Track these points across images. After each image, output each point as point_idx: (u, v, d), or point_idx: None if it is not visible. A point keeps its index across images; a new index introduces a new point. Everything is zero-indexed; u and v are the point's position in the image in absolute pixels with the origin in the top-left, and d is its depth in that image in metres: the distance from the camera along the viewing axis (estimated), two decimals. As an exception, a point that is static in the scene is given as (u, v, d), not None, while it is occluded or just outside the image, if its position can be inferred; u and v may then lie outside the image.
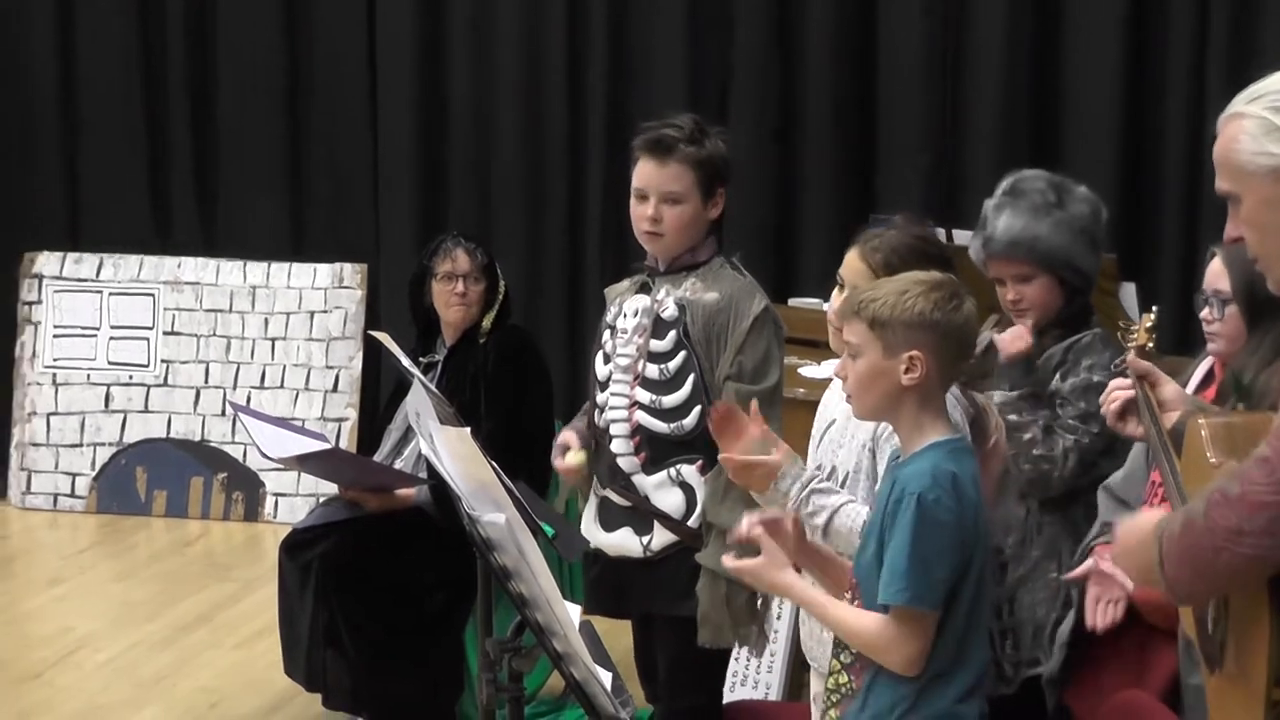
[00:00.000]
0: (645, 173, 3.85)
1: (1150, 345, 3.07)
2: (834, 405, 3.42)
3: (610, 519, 3.91)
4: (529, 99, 6.85)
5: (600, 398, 3.91)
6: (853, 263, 3.37)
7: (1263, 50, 5.78)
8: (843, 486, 3.27)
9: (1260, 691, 2.28)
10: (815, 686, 3.44)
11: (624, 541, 3.88)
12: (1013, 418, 3.60)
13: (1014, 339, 3.66)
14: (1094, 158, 6.12)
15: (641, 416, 3.83)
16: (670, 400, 3.81)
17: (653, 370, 3.83)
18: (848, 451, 3.30)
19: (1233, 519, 2.25)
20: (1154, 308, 3.22)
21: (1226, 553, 2.26)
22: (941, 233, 5.63)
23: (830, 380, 3.52)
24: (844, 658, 2.92)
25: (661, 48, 6.68)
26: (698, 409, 3.79)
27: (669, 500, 3.83)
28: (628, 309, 3.91)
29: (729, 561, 2.98)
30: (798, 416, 3.80)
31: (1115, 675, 3.42)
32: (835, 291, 3.41)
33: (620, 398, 3.86)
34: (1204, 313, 3.44)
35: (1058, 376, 3.65)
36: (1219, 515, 2.26)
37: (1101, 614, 3.41)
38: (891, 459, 2.97)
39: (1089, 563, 3.45)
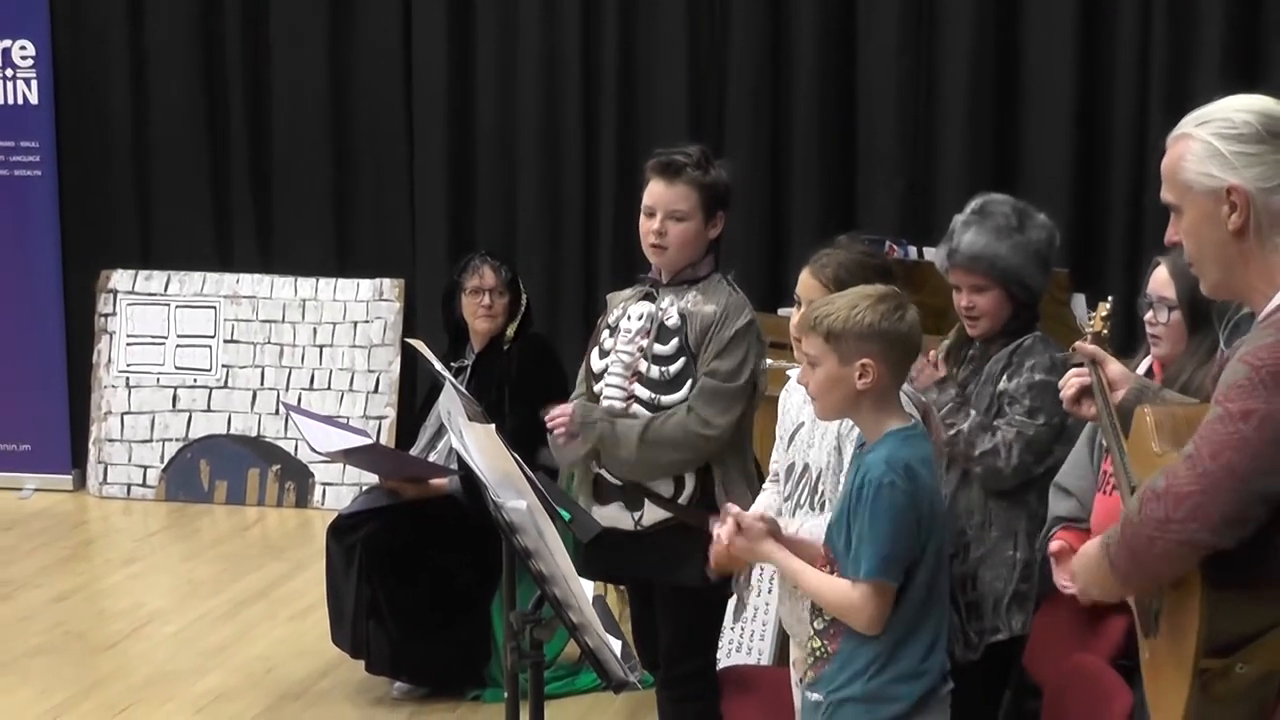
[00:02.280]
0: (655, 192, 3.84)
1: (1105, 331, 3.05)
2: (798, 409, 3.42)
3: (603, 493, 3.88)
4: (548, 132, 6.85)
5: (595, 388, 3.90)
6: (806, 281, 3.38)
7: (1195, 92, 5.79)
8: (816, 481, 3.28)
9: (1189, 659, 2.26)
10: (794, 654, 3.45)
11: (615, 515, 3.85)
12: (949, 424, 3.60)
13: (925, 376, 3.66)
14: (1049, 182, 6.12)
15: (639, 410, 3.80)
16: (669, 399, 3.79)
17: (655, 372, 3.81)
18: (818, 450, 3.29)
19: (1161, 511, 2.24)
20: (1109, 298, 3.17)
21: (1160, 541, 2.25)
22: (913, 250, 5.67)
23: (788, 383, 3.55)
24: (817, 624, 2.93)
25: (666, 86, 6.67)
26: None
27: (662, 483, 3.81)
28: (632, 313, 3.89)
29: (717, 540, 3.00)
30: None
31: (1069, 640, 3.42)
32: (794, 309, 3.43)
33: (616, 390, 3.83)
34: (1148, 315, 3.43)
35: (1005, 378, 3.65)
36: (1150, 509, 2.26)
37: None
38: (856, 448, 2.99)
39: (1054, 545, 3.47)
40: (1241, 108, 2.34)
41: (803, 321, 2.93)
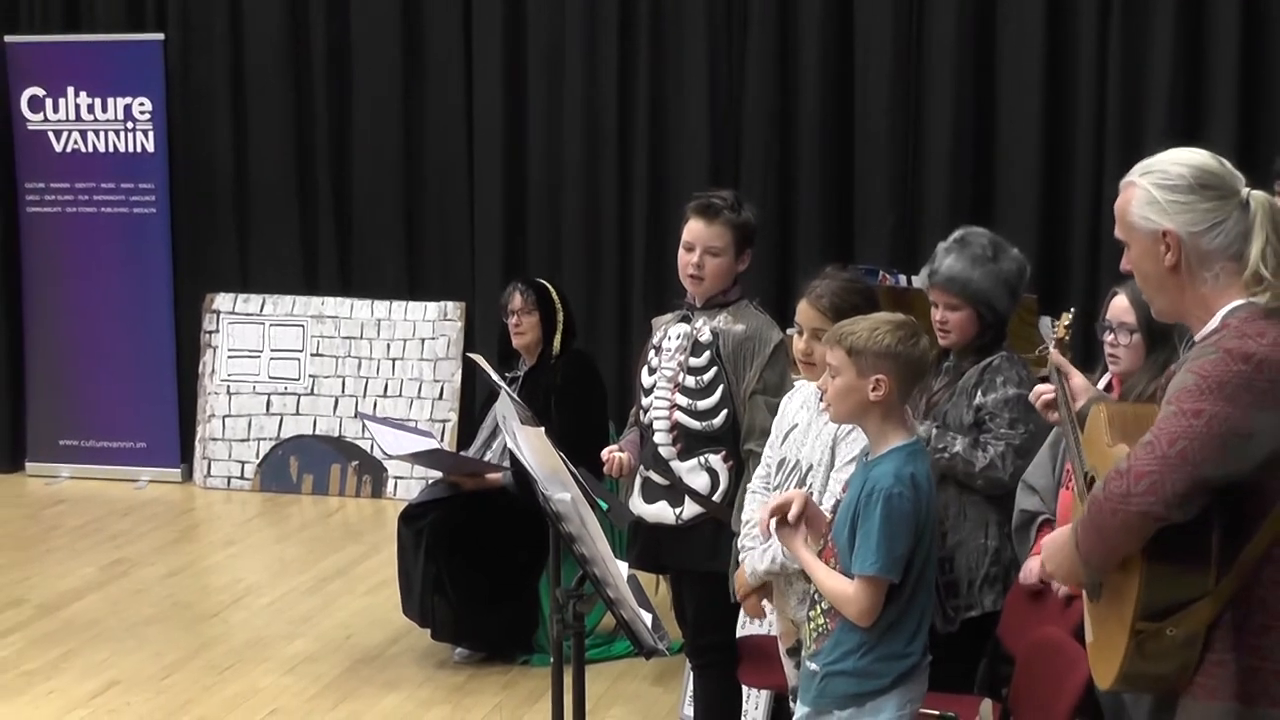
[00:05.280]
0: (694, 229, 3.81)
1: (1067, 338, 3.05)
2: (793, 413, 3.41)
3: (650, 494, 3.89)
4: (588, 175, 6.86)
5: (645, 401, 3.89)
6: (805, 311, 3.37)
7: (1145, 141, 5.78)
8: (806, 475, 3.27)
9: (1128, 621, 2.29)
10: (778, 628, 3.43)
11: (660, 512, 3.86)
12: (940, 447, 3.59)
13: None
14: (1019, 217, 6.12)
15: (679, 416, 3.80)
16: (704, 404, 3.79)
17: (690, 381, 3.80)
18: (810, 449, 3.29)
19: (1123, 486, 2.26)
20: (1071, 309, 3.18)
21: (1121, 513, 2.27)
22: (903, 278, 5.65)
23: (790, 390, 3.54)
24: (824, 605, 2.93)
25: (689, 136, 6.68)
26: (725, 412, 3.78)
27: (698, 481, 3.81)
28: (671, 334, 3.88)
29: (775, 528, 2.95)
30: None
31: (1039, 615, 3.40)
32: (796, 335, 3.42)
33: (663, 401, 3.83)
34: (1109, 339, 3.41)
35: (979, 393, 3.63)
36: (1113, 486, 2.28)
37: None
38: (861, 455, 2.98)
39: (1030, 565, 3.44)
40: (1178, 161, 2.36)
41: (830, 335, 2.93)
